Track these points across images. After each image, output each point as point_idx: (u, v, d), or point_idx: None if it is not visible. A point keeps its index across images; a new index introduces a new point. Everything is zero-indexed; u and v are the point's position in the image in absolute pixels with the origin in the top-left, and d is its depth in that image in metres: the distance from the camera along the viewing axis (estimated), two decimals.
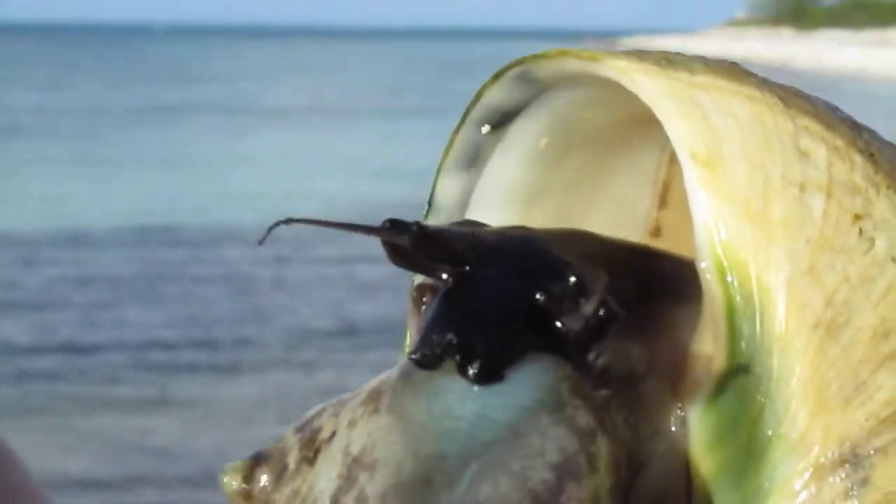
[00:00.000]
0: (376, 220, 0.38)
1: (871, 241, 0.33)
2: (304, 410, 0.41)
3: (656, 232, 0.42)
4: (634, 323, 0.36)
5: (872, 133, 0.35)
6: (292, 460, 0.37)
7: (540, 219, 0.41)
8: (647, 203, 0.42)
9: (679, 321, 0.37)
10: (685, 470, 0.35)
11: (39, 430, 6.38)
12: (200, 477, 4.95)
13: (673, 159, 0.41)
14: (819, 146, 0.34)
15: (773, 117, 0.34)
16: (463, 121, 0.41)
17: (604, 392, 0.35)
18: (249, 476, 0.38)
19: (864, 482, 0.32)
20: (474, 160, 0.41)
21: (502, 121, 0.40)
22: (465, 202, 0.41)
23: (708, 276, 0.34)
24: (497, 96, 0.40)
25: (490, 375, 0.35)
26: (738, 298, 0.33)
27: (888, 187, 0.33)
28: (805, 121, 0.34)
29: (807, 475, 0.32)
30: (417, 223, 0.36)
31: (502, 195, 0.41)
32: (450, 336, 0.35)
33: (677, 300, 0.37)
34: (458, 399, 0.35)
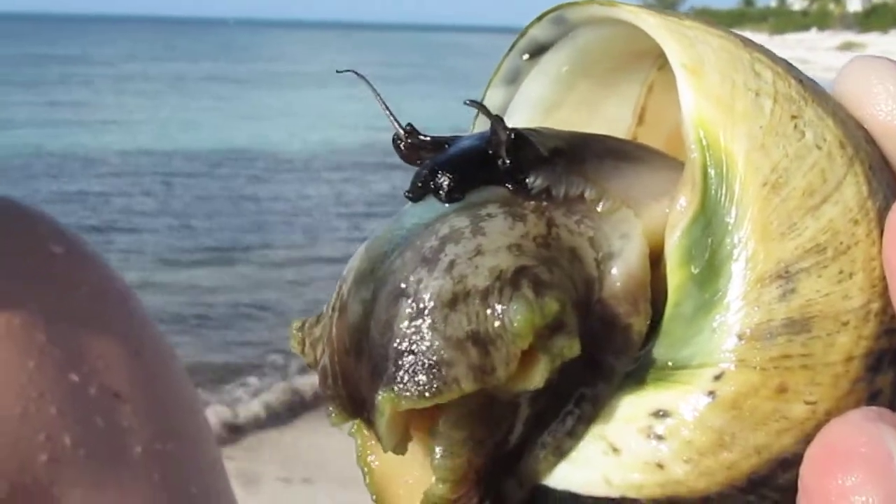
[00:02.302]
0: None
1: (803, 133, 0.38)
2: None
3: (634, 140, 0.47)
4: (576, 168, 0.41)
5: (799, 70, 0.41)
6: (327, 307, 0.42)
7: (557, 122, 0.46)
8: (629, 121, 0.47)
9: (631, 170, 0.42)
10: (646, 271, 0.40)
11: None
12: None
13: (651, 90, 0.47)
14: (767, 70, 0.39)
15: (736, 49, 0.40)
16: (510, 49, 0.46)
17: (541, 202, 0.40)
18: (302, 325, 0.43)
19: (793, 291, 0.36)
20: (514, 79, 0.46)
21: (538, 51, 0.45)
22: (504, 109, 0.46)
23: (692, 146, 0.38)
24: (537, 32, 0.45)
25: (452, 195, 0.40)
26: (710, 160, 0.38)
27: (813, 101, 0.39)
28: (757, 54, 0.40)
29: (753, 282, 0.37)
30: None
31: (530, 106, 0.46)
32: (425, 171, 0.41)
33: (622, 160, 0.42)
34: (409, 216, 0.41)
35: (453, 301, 0.37)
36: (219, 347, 7.86)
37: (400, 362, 0.37)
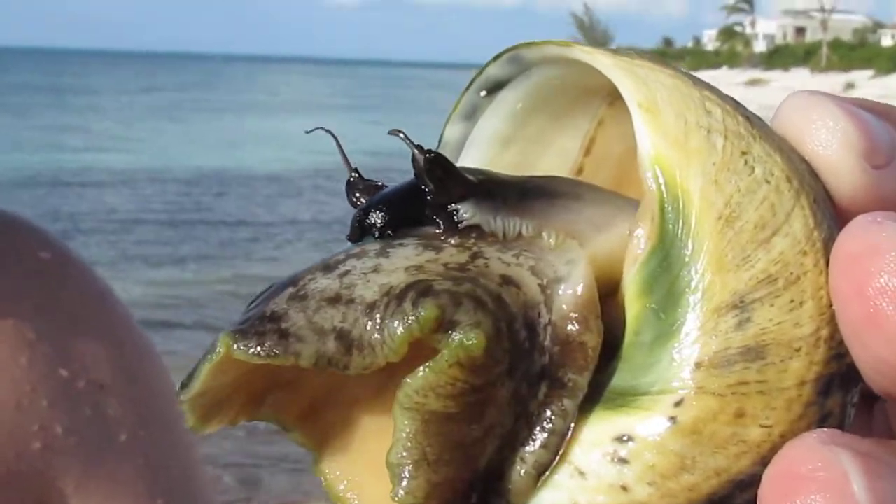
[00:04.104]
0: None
1: (752, 168, 0.36)
2: None
3: (579, 171, 0.45)
4: (515, 208, 0.39)
5: (745, 106, 0.39)
6: None
7: (508, 158, 0.44)
8: (577, 152, 0.45)
9: (574, 205, 0.40)
10: (594, 291, 0.37)
11: None
12: None
13: (601, 124, 0.45)
14: (717, 107, 0.37)
15: (687, 87, 0.38)
16: (468, 86, 0.44)
17: (468, 239, 0.38)
18: None
19: (748, 320, 0.35)
20: (472, 115, 0.43)
21: (494, 88, 0.43)
22: (462, 143, 0.44)
23: (650, 183, 0.36)
24: (494, 70, 0.42)
25: (384, 231, 0.38)
26: (667, 196, 0.36)
27: (760, 137, 0.37)
28: (706, 92, 0.38)
29: (710, 312, 0.35)
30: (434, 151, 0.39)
31: (486, 141, 0.44)
32: (360, 211, 0.39)
33: (564, 197, 0.40)
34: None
35: (334, 300, 0.36)
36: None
37: (256, 322, 0.35)
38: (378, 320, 0.35)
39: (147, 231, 12.56)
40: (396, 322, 0.35)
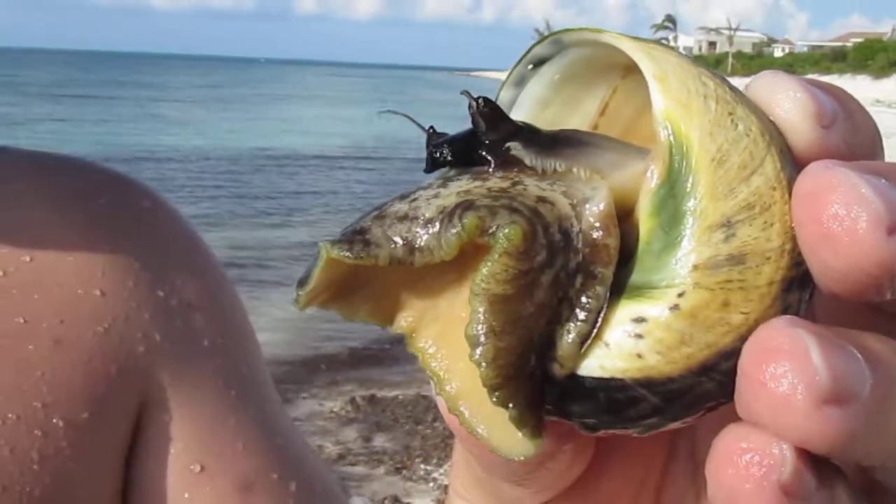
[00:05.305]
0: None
1: (736, 125, 0.37)
2: None
3: (594, 127, 0.45)
4: (551, 151, 0.39)
5: (729, 80, 0.39)
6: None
7: (546, 116, 0.44)
8: (594, 113, 0.45)
9: (596, 150, 0.40)
10: (612, 207, 0.38)
11: None
12: None
13: (615, 92, 0.45)
14: (710, 81, 0.38)
15: (688, 65, 0.38)
16: (519, 62, 0.44)
17: (511, 171, 0.38)
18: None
19: (733, 235, 0.35)
20: (520, 82, 0.44)
21: (539, 63, 0.43)
22: (512, 104, 0.44)
23: (661, 132, 0.37)
24: (539, 50, 0.43)
25: (447, 163, 0.39)
26: (674, 143, 0.37)
27: (741, 102, 0.37)
28: (701, 69, 0.39)
29: (705, 229, 0.36)
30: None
31: (530, 102, 0.44)
32: (431, 148, 0.40)
33: (588, 144, 0.40)
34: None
35: (403, 217, 0.37)
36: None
37: (349, 234, 0.37)
38: (434, 230, 0.36)
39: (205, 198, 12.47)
40: (448, 231, 0.36)
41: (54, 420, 0.79)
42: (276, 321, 6.87)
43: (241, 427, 0.89)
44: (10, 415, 0.77)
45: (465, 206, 0.36)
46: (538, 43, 0.43)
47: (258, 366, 0.95)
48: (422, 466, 5.27)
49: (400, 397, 6.21)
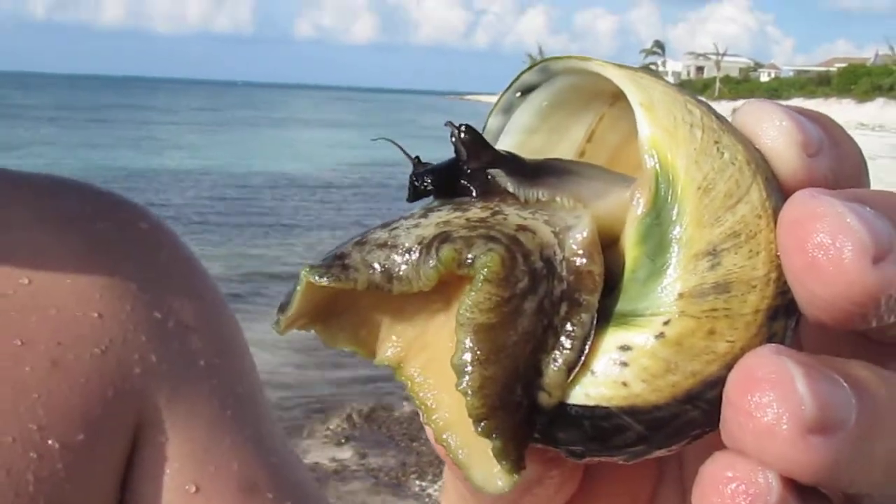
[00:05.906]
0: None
1: (722, 154, 0.36)
2: None
3: (581, 154, 0.45)
4: (535, 181, 0.39)
5: (714, 109, 0.39)
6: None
7: (533, 144, 0.44)
8: (581, 140, 0.45)
9: (580, 178, 0.40)
10: (596, 235, 0.37)
11: None
12: None
13: (601, 119, 0.44)
14: (696, 109, 0.38)
15: (674, 93, 0.38)
16: (507, 89, 0.43)
17: (492, 201, 0.38)
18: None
19: (718, 263, 0.35)
20: (508, 109, 0.43)
21: (527, 90, 0.43)
22: (500, 131, 0.43)
23: (647, 160, 0.36)
24: (527, 77, 0.42)
25: (429, 192, 0.39)
26: (660, 171, 0.36)
27: (727, 131, 0.37)
28: (688, 97, 0.38)
29: (691, 257, 0.35)
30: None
31: (517, 129, 0.43)
32: (413, 177, 0.39)
33: (572, 173, 0.40)
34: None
35: (382, 245, 0.37)
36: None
37: (329, 259, 0.37)
38: (412, 260, 0.36)
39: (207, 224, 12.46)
40: (426, 263, 0.36)
41: (50, 442, 0.78)
42: (271, 342, 6.84)
43: (237, 447, 0.88)
44: (6, 437, 0.77)
45: (443, 238, 0.36)
46: (526, 70, 0.43)
47: (254, 385, 0.94)
48: (417, 483, 5.24)
49: (395, 414, 6.19)
